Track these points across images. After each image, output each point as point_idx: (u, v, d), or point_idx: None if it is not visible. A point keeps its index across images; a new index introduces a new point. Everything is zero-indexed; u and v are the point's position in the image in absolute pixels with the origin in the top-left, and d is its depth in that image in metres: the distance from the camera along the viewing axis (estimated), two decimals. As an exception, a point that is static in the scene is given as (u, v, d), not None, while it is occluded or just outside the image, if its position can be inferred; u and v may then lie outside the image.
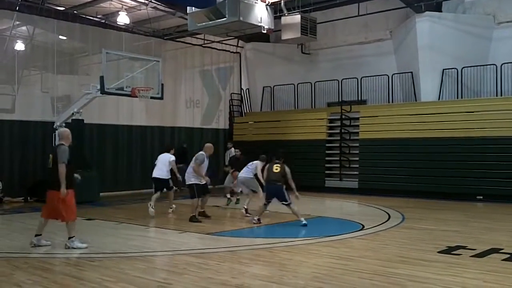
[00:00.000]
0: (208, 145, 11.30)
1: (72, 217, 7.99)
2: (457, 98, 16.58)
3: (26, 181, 15.31)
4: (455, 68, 16.44)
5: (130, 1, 17.67)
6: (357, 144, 17.83)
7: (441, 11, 17.41)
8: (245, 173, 12.35)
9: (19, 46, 16.97)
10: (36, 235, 8.06)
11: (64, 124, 14.93)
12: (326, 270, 6.52)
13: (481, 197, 14.87)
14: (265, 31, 15.25)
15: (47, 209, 8.07)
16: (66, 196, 7.77)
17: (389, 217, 11.59)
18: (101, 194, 15.42)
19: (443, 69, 16.77)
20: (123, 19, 18.13)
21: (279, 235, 9.78)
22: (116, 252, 7.94)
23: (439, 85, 16.90)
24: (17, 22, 16.58)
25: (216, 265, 6.97)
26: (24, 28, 17.30)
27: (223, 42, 20.61)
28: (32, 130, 15.72)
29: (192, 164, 10.96)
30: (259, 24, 14.80)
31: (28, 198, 15.04)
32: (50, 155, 8.06)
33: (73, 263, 7.06)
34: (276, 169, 10.72)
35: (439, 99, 16.92)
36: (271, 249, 8.08)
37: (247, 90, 22.34)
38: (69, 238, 7.92)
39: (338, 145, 18.56)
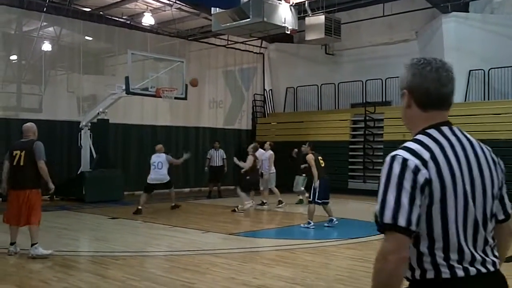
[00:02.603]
0: (158, 146, 13.29)
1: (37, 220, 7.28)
2: (484, 99, 16.30)
3: (52, 179, 15.51)
4: (482, 69, 16.16)
5: (155, 2, 17.83)
6: (381, 146, 17.66)
7: (468, 12, 17.13)
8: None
9: (46, 46, 17.27)
10: (11, 243, 7.33)
11: (89, 124, 15.17)
12: (349, 272, 6.47)
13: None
14: (288, 32, 15.25)
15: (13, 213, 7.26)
16: (35, 197, 7.27)
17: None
18: (125, 193, 15.58)
19: (470, 70, 16.49)
20: (148, 20, 18.32)
21: (301, 237, 9.74)
22: (140, 251, 8.01)
23: (466, 86, 16.62)
24: (45, 23, 16.89)
25: (238, 265, 6.98)
26: (51, 29, 17.61)
27: (247, 42, 20.64)
28: (59, 130, 15.96)
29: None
30: (283, 25, 14.81)
31: (54, 196, 15.27)
32: (19, 152, 7.29)
33: (98, 261, 7.14)
34: (322, 162, 10.24)
35: (465, 100, 16.65)
36: (294, 251, 8.06)
37: (270, 91, 22.33)
38: (33, 244, 7.14)
39: (361, 146, 18.42)
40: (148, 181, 12.69)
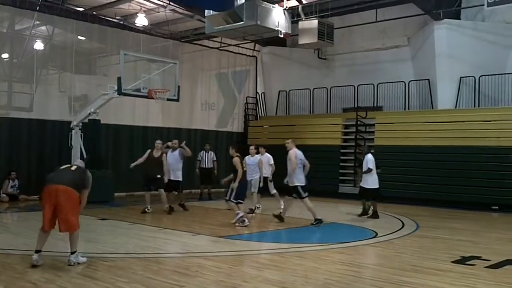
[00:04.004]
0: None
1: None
2: (474, 106, 16.42)
3: (42, 179, 15.44)
4: (473, 76, 16.30)
5: (149, 3, 17.82)
6: (372, 151, 17.69)
7: (459, 19, 17.28)
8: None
9: (38, 45, 17.19)
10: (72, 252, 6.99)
11: (81, 124, 15.11)
12: (338, 277, 6.49)
13: (497, 207, 14.70)
14: (282, 36, 15.30)
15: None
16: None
17: (403, 225, 11.51)
18: (115, 194, 15.52)
19: (461, 77, 16.63)
20: (141, 21, 18.30)
21: (291, 240, 9.76)
22: (129, 252, 7.98)
23: (456, 93, 16.75)
24: (37, 22, 16.81)
25: (228, 268, 6.98)
26: (43, 28, 17.53)
27: (240, 45, 20.68)
28: (50, 129, 15.90)
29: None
30: (276, 29, 14.87)
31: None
32: None
33: (87, 263, 7.10)
34: (245, 166, 11.11)
35: (456, 107, 16.78)
36: (283, 254, 8.07)
37: (262, 94, 22.36)
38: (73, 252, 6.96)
39: (352, 151, 18.47)
40: None
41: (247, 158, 12.91)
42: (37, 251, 6.75)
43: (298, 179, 11.05)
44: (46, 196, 6.93)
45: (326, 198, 16.39)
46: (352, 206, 14.36)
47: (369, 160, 12.49)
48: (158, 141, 13.01)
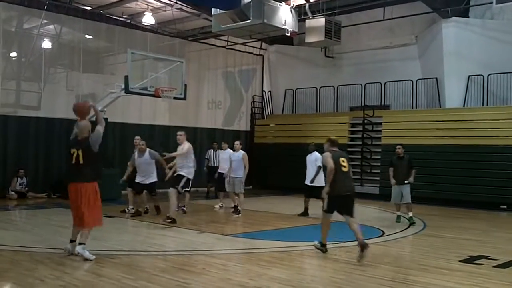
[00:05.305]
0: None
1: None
2: (483, 105, 16.33)
3: (50, 177, 15.59)
4: (481, 75, 16.20)
5: (156, 2, 17.84)
6: (379, 150, 17.68)
7: (468, 17, 17.18)
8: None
9: (46, 44, 17.25)
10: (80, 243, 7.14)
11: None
12: (344, 275, 6.47)
13: (505, 206, 14.62)
14: (288, 34, 15.26)
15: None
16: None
17: (410, 224, 11.46)
18: (122, 192, 15.55)
19: (469, 76, 16.54)
20: (148, 19, 18.32)
21: (298, 239, 9.74)
22: (136, 250, 8.01)
23: (464, 91, 16.67)
24: (45, 21, 16.87)
25: (234, 266, 6.99)
26: (51, 26, 17.59)
27: (246, 44, 20.67)
28: (57, 127, 15.97)
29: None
30: (283, 27, 14.82)
31: (52, 194, 15.32)
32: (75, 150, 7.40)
33: (94, 260, 7.12)
34: None
35: (464, 106, 16.69)
36: (290, 252, 8.06)
37: (269, 93, 22.36)
38: (80, 244, 7.11)
39: (359, 149, 18.44)
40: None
41: (231, 154, 12.65)
42: (71, 241, 7.20)
43: (190, 171, 11.11)
44: (69, 195, 7.29)
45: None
46: (359, 204, 14.31)
47: (319, 158, 12.09)
48: (136, 137, 12.26)
